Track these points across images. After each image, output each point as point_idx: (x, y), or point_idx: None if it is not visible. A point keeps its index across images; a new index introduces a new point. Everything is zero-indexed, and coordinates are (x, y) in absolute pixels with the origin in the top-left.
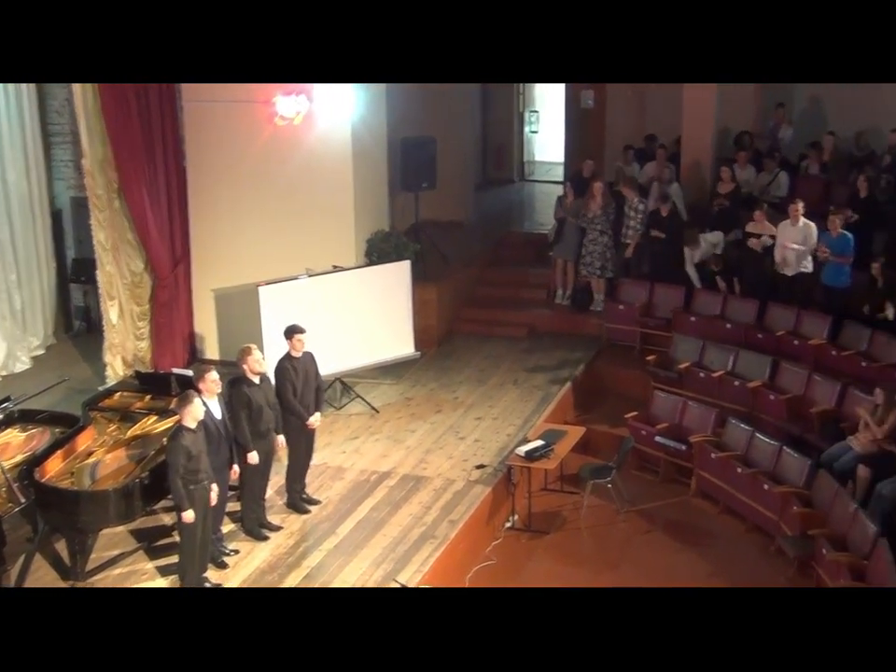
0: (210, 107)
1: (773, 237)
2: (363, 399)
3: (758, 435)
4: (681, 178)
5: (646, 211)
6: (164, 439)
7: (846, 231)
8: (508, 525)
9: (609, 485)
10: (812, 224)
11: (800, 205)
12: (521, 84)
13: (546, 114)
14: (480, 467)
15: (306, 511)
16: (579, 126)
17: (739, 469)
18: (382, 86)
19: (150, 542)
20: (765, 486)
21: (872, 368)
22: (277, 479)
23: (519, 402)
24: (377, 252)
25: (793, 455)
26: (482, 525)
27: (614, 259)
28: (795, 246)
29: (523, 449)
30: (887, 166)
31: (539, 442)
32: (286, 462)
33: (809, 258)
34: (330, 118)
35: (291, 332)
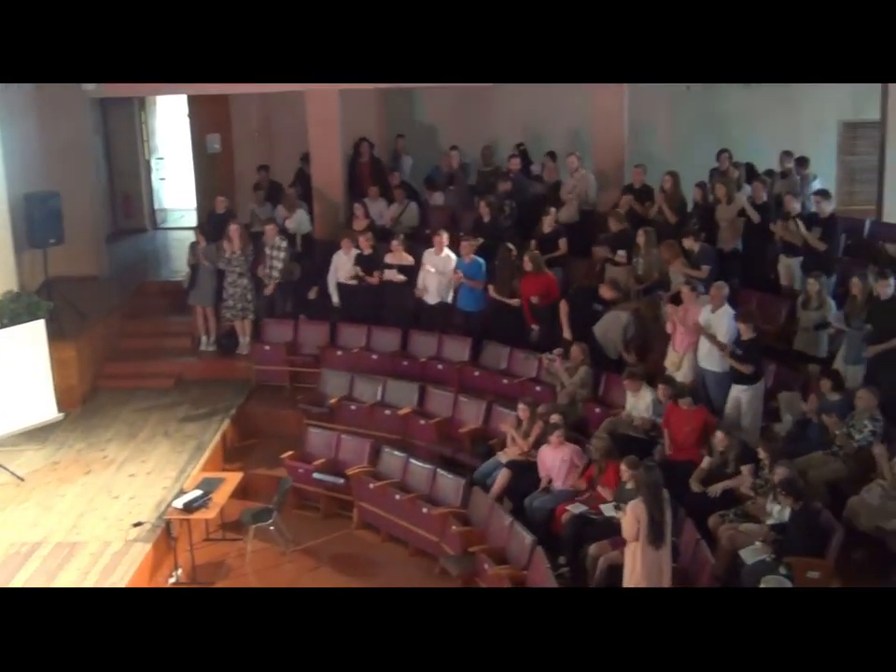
0: None
1: (409, 266)
2: (6, 468)
3: (412, 460)
4: (314, 214)
5: (288, 249)
6: None
7: (477, 257)
8: (172, 580)
9: (272, 527)
10: (453, 254)
11: (444, 236)
12: (145, 131)
13: (173, 160)
14: (137, 524)
15: None
16: (208, 170)
17: (397, 496)
18: None
19: None
20: (424, 510)
21: (513, 384)
22: None
23: (172, 454)
24: (8, 314)
25: (448, 477)
26: (144, 585)
27: (256, 300)
28: (432, 270)
29: (180, 501)
30: (507, 192)
31: (197, 492)
32: None
33: (451, 285)
34: None
35: None
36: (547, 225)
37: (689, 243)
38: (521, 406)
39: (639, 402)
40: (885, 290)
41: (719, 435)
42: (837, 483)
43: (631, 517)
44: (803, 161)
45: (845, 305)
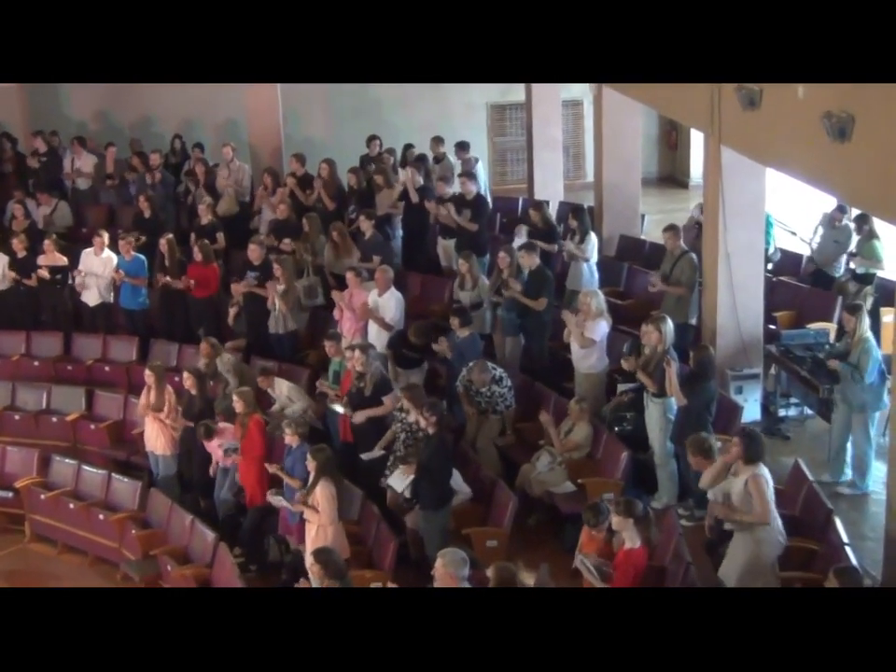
0: None
1: (64, 267)
2: None
3: (84, 467)
4: None
5: None
6: None
7: (138, 254)
8: None
9: None
10: (113, 254)
11: (105, 236)
12: None
13: None
14: None
15: None
16: None
17: (71, 505)
18: None
19: None
20: (101, 516)
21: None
22: None
23: None
24: None
25: (123, 481)
26: None
27: None
28: (83, 274)
29: None
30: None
31: None
32: None
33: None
34: None
35: None
36: (203, 217)
37: (365, 225)
38: (146, 372)
39: (281, 395)
40: (530, 262)
41: (356, 355)
42: (506, 450)
43: (328, 499)
44: (463, 146)
45: (491, 279)
